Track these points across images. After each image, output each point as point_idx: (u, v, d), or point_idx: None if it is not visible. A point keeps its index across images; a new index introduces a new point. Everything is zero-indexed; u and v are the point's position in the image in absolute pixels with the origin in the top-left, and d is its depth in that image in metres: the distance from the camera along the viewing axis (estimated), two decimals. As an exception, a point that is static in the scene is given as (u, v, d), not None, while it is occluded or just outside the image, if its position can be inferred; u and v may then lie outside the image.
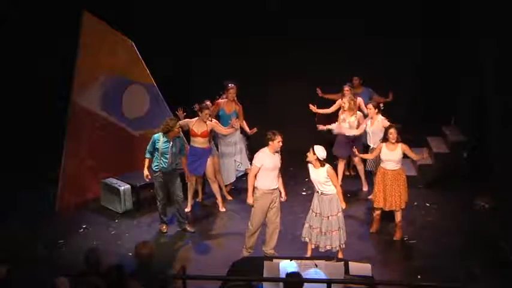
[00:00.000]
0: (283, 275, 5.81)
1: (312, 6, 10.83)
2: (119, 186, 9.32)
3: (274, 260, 6.43)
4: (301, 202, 9.03)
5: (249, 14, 10.95)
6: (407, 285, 6.83)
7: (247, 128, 9.75)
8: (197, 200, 9.63)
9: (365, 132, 9.28)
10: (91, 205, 9.55)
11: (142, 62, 9.76)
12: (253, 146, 9.41)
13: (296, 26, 10.92)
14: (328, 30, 10.77)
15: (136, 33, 9.80)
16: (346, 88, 9.85)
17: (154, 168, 8.45)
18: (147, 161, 8.48)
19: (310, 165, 7.49)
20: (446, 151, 10.37)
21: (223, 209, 9.39)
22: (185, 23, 11.11)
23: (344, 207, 7.54)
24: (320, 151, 7.33)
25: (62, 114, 9.31)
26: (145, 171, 8.49)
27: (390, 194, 8.21)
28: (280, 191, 7.66)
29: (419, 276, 7.36)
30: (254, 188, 7.52)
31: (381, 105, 9.25)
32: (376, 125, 9.02)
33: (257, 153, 7.54)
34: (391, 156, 8.18)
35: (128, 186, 9.36)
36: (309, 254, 7.67)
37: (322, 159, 7.33)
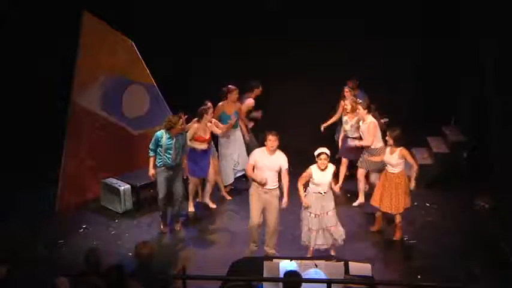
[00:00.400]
0: (283, 275, 5.81)
1: (312, 6, 10.82)
2: (119, 186, 9.32)
3: (274, 260, 6.43)
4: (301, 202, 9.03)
5: (249, 14, 10.94)
6: (407, 285, 6.84)
7: (245, 130, 9.79)
8: (197, 200, 9.63)
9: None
10: (91, 205, 9.55)
11: (142, 62, 9.76)
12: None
13: (296, 26, 10.91)
14: (328, 30, 10.76)
15: (136, 33, 9.80)
16: (346, 90, 9.84)
17: (157, 165, 8.44)
18: (151, 160, 8.45)
19: (315, 169, 7.46)
20: (446, 151, 10.37)
21: (214, 206, 9.47)
22: (185, 23, 11.10)
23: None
24: (327, 150, 7.41)
25: (62, 114, 9.31)
26: (151, 170, 8.47)
27: (386, 196, 8.21)
28: (282, 194, 7.65)
29: (419, 276, 7.36)
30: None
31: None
32: (365, 126, 8.99)
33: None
34: (389, 159, 8.18)
35: (128, 186, 9.36)
36: (309, 254, 7.68)
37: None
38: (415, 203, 9.42)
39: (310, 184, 7.59)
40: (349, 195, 9.73)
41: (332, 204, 7.55)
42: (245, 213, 8.24)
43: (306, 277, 5.75)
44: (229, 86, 9.71)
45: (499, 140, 9.12)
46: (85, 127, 9.41)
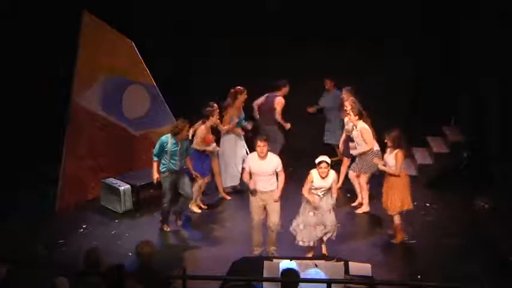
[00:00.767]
0: (280, 273, 5.80)
1: (312, 6, 10.83)
2: (119, 186, 9.32)
3: (274, 260, 6.43)
4: (301, 202, 9.01)
5: (249, 14, 10.95)
6: (407, 285, 6.83)
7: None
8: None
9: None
10: (91, 205, 9.55)
11: (142, 62, 9.77)
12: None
13: (296, 26, 10.91)
14: (328, 30, 10.77)
15: (136, 33, 9.81)
16: (344, 91, 9.82)
17: (161, 170, 8.44)
18: (155, 164, 8.46)
19: (315, 174, 7.47)
20: (446, 151, 10.37)
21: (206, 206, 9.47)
22: (185, 23, 11.11)
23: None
24: (327, 158, 7.43)
25: (62, 114, 9.31)
26: (155, 175, 8.48)
27: (384, 195, 8.20)
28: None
29: (419, 276, 7.36)
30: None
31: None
32: (357, 132, 8.89)
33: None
34: (387, 158, 8.15)
35: (128, 186, 9.36)
36: (310, 254, 7.69)
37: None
38: (415, 203, 9.43)
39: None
40: (349, 195, 9.73)
41: (331, 204, 7.55)
42: (245, 214, 8.24)
43: (306, 277, 5.76)
44: (239, 87, 9.70)
45: (499, 140, 9.13)
46: (85, 127, 9.41)
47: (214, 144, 9.09)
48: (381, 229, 8.67)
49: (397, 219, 8.16)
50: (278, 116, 10.15)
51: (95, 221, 9.09)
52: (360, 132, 8.81)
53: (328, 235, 7.66)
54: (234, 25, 10.93)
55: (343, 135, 9.69)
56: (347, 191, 9.77)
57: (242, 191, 9.38)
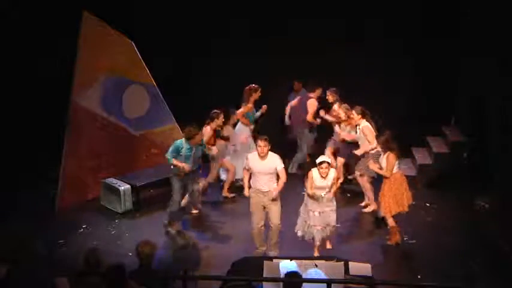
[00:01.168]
0: (283, 275, 5.81)
1: (312, 6, 10.83)
2: (119, 186, 9.32)
3: (274, 260, 6.44)
4: (301, 202, 9.02)
5: (248, 14, 10.95)
6: (407, 285, 6.83)
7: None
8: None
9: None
10: (91, 205, 9.55)
11: (142, 62, 9.77)
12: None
13: (296, 26, 10.91)
14: (328, 30, 10.77)
15: (136, 33, 9.81)
16: (328, 93, 9.87)
17: (174, 171, 8.44)
18: (175, 161, 8.34)
19: (316, 174, 7.47)
20: (446, 151, 10.37)
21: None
22: (185, 23, 11.10)
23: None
24: (328, 159, 7.48)
25: (62, 114, 9.31)
26: (183, 164, 8.34)
27: (379, 197, 8.20)
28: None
29: (419, 276, 7.36)
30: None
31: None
32: (359, 132, 8.91)
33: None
34: (381, 162, 8.13)
35: (128, 186, 9.36)
36: (316, 253, 7.71)
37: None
38: (414, 203, 9.44)
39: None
40: (349, 195, 9.73)
41: (332, 204, 7.56)
42: (245, 213, 8.23)
43: (306, 277, 5.76)
44: (253, 85, 9.80)
45: (499, 140, 9.12)
46: (85, 127, 9.42)
47: (214, 148, 9.07)
48: (381, 229, 8.67)
49: (390, 222, 8.12)
50: (310, 118, 10.12)
51: (95, 221, 9.09)
52: (363, 132, 8.81)
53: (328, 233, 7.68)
54: (234, 25, 10.94)
55: (336, 138, 9.66)
56: (347, 191, 9.77)
57: (242, 191, 9.35)
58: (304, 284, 5.58)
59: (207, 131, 9.01)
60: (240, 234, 8.49)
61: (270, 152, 7.55)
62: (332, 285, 5.64)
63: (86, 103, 9.36)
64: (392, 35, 10.65)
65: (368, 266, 6.47)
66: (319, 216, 7.56)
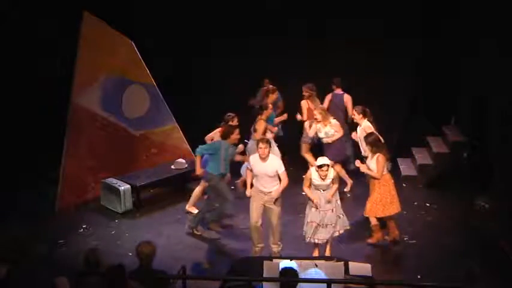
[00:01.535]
0: (279, 272, 5.80)
1: (312, 6, 10.84)
2: (119, 186, 9.32)
3: (274, 260, 6.43)
4: (301, 202, 9.02)
5: (249, 14, 10.95)
6: (407, 285, 6.83)
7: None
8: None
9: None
10: (91, 205, 9.55)
11: (142, 62, 9.77)
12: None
13: (296, 26, 10.91)
14: (328, 30, 10.78)
15: (136, 33, 9.81)
16: (304, 89, 9.92)
17: (215, 173, 8.25)
18: (199, 160, 8.28)
19: (314, 173, 7.47)
20: (446, 151, 10.37)
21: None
22: (185, 23, 11.11)
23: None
24: (328, 161, 7.48)
25: (62, 114, 9.32)
26: (200, 170, 8.31)
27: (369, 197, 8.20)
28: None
29: (419, 276, 7.36)
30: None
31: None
32: (361, 131, 8.85)
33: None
34: (369, 164, 8.07)
35: (128, 186, 9.35)
36: (316, 254, 7.71)
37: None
38: (415, 203, 9.45)
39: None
40: (349, 195, 9.73)
41: (333, 204, 7.55)
42: (246, 213, 8.23)
43: (306, 277, 5.76)
44: (270, 86, 9.75)
45: (499, 140, 9.12)
46: (85, 127, 9.41)
47: None
48: (382, 229, 8.65)
49: (373, 220, 8.07)
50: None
51: (95, 221, 9.09)
52: (364, 131, 8.80)
53: (334, 234, 7.65)
54: (234, 25, 10.94)
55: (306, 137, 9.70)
56: (346, 191, 9.77)
57: (242, 192, 9.36)
58: (304, 284, 5.58)
59: (217, 133, 8.87)
60: (240, 234, 8.48)
61: (271, 155, 7.56)
62: (332, 285, 5.64)
63: (86, 103, 9.36)
64: (393, 35, 10.65)
65: (368, 266, 6.47)
66: (317, 213, 7.54)
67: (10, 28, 10.08)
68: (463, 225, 8.68)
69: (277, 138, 9.79)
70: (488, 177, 9.26)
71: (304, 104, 10.08)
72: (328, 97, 10.30)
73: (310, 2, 10.93)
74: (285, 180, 7.59)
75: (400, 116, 10.91)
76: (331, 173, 7.48)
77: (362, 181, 9.24)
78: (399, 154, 10.96)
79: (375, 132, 8.36)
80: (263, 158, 7.51)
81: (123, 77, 9.73)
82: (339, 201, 7.66)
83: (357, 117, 8.91)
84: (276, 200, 7.60)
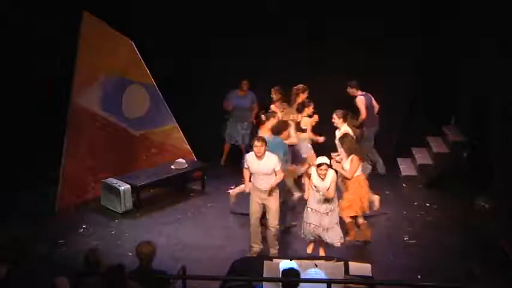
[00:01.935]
0: (281, 273, 5.80)
1: (312, 6, 10.83)
2: (119, 186, 9.31)
3: (274, 260, 6.43)
4: (301, 202, 9.02)
5: (249, 14, 10.95)
6: (407, 285, 6.83)
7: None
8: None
9: None
10: (91, 205, 9.54)
11: (142, 62, 9.77)
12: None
13: (296, 26, 10.91)
14: (328, 30, 10.77)
15: (136, 33, 9.81)
16: (273, 91, 9.69)
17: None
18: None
19: (314, 174, 7.48)
20: (446, 151, 10.37)
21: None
22: (185, 23, 11.11)
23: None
24: (327, 160, 7.48)
25: (62, 114, 9.32)
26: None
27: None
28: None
29: (419, 276, 7.36)
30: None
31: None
32: (339, 135, 8.63)
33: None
34: (344, 165, 8.02)
35: (128, 186, 9.35)
36: (309, 251, 7.69)
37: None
38: (415, 203, 9.45)
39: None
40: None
41: (330, 206, 7.54)
42: (246, 214, 8.24)
43: (306, 277, 5.76)
44: (301, 85, 9.51)
45: (499, 140, 9.12)
46: (85, 127, 9.41)
47: None
48: (381, 229, 8.67)
49: (347, 219, 7.95)
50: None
51: (95, 221, 9.09)
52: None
53: (328, 240, 7.62)
54: (234, 25, 10.94)
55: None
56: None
57: (242, 192, 9.36)
58: (304, 284, 5.58)
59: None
60: (240, 234, 8.48)
61: (267, 153, 7.56)
62: (332, 285, 5.64)
63: (86, 103, 9.35)
64: (393, 35, 10.65)
65: (368, 266, 6.47)
66: (311, 212, 7.55)
67: (10, 28, 10.08)
68: (463, 225, 8.69)
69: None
70: (488, 177, 9.27)
71: (274, 108, 9.56)
72: (363, 102, 9.99)
73: (310, 2, 10.92)
74: (279, 177, 7.61)
75: (400, 116, 10.90)
76: (331, 175, 7.45)
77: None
78: (399, 154, 10.97)
79: (350, 134, 8.32)
80: (259, 157, 7.52)
81: (123, 77, 9.72)
82: (336, 210, 7.65)
83: (337, 121, 8.70)
84: (272, 195, 7.60)
